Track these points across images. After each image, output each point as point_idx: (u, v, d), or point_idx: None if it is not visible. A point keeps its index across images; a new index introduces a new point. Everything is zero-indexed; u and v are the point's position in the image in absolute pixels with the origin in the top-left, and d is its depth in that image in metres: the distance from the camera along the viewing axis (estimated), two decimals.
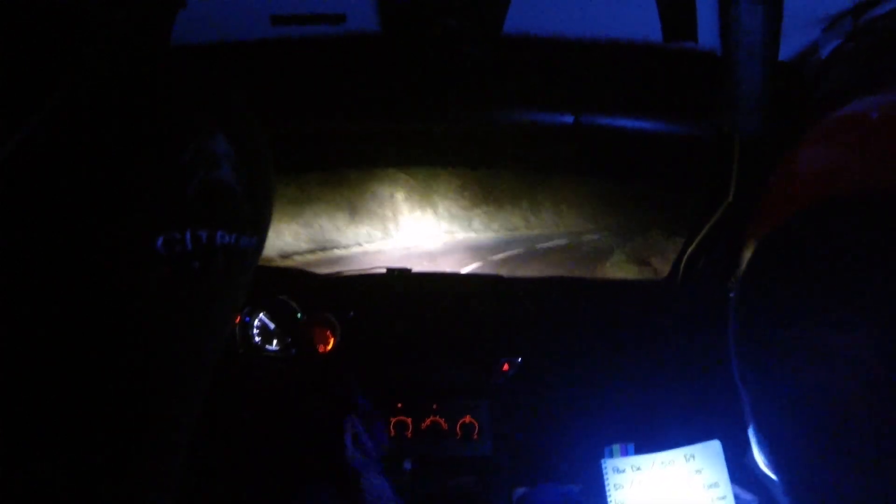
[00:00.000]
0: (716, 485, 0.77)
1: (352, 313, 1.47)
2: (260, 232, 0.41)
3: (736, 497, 0.76)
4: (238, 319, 1.44)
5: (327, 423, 1.15)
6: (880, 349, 0.26)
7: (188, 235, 0.34)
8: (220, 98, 0.39)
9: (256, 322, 1.47)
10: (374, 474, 1.02)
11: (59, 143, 0.31)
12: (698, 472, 0.78)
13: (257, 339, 1.47)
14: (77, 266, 0.31)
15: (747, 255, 0.36)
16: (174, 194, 0.34)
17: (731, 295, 0.37)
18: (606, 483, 0.79)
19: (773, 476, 0.35)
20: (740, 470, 0.78)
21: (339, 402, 1.21)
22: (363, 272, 1.67)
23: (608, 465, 0.80)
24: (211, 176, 0.35)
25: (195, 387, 0.39)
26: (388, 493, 0.99)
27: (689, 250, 1.39)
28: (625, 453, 0.83)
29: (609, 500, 0.79)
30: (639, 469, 0.79)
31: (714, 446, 0.79)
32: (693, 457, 0.79)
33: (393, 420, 1.39)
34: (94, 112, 0.32)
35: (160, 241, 0.33)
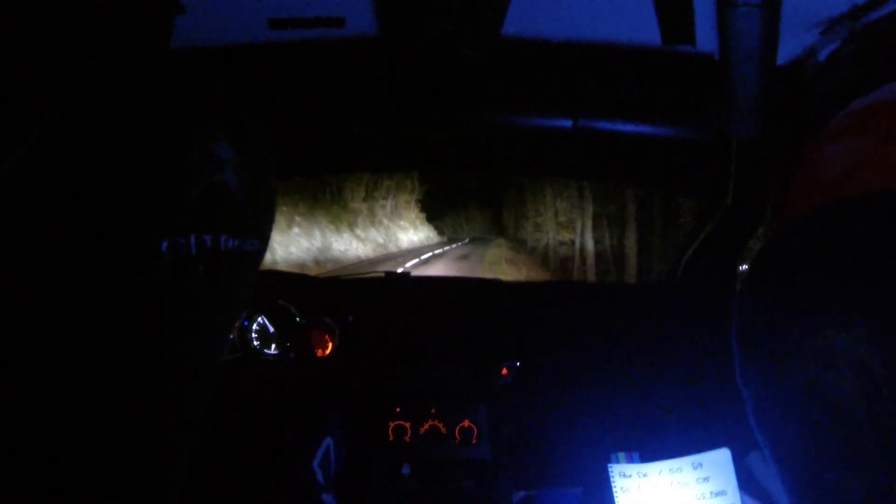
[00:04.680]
0: (723, 493, 0.76)
1: (350, 317, 1.47)
2: (262, 236, 0.41)
3: None
4: (237, 323, 1.44)
5: (304, 436, 1.19)
6: (881, 349, 0.26)
7: (192, 239, 0.34)
8: (223, 102, 0.39)
9: (255, 326, 1.47)
10: (328, 494, 1.10)
11: (64, 148, 0.31)
12: (706, 479, 0.77)
13: (256, 343, 1.46)
14: (82, 269, 0.31)
15: (749, 257, 0.36)
16: (178, 199, 0.34)
17: (734, 296, 0.37)
18: (613, 487, 0.79)
19: (771, 478, 0.35)
20: (751, 478, 0.78)
21: (321, 421, 1.25)
22: (362, 276, 1.67)
23: (615, 469, 0.80)
24: (215, 180, 0.35)
25: (198, 389, 0.39)
26: None
27: (689, 253, 1.39)
28: (630, 461, 0.83)
29: (616, 503, 0.78)
30: (645, 475, 0.79)
31: (723, 454, 0.78)
32: (701, 465, 0.78)
33: (392, 424, 1.39)
34: (97, 118, 0.32)
35: (164, 244, 0.33)
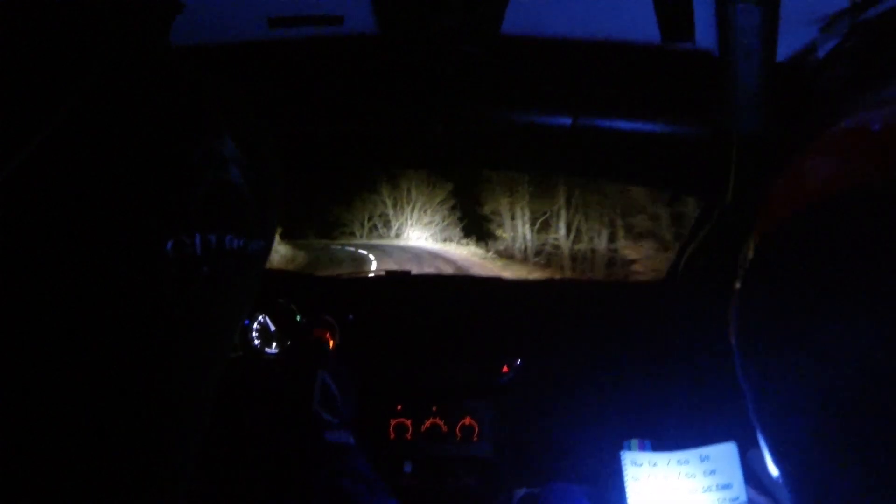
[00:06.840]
0: (729, 486, 0.77)
1: (351, 316, 1.47)
2: (268, 235, 0.41)
3: (751, 501, 0.76)
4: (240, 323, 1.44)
5: (299, 378, 1.12)
6: (883, 344, 0.26)
7: (197, 239, 0.34)
8: (227, 100, 0.39)
9: (256, 325, 1.47)
10: (342, 432, 1.01)
11: (69, 147, 0.31)
12: (712, 472, 0.78)
13: (257, 341, 1.46)
14: (86, 268, 0.31)
15: (750, 252, 0.36)
16: (184, 198, 0.34)
17: (734, 291, 0.37)
18: (625, 474, 0.80)
19: (774, 474, 0.35)
20: (752, 474, 0.78)
21: (313, 359, 1.19)
22: (363, 275, 1.67)
23: (627, 457, 0.81)
24: (219, 179, 0.35)
25: (203, 390, 0.39)
26: (353, 447, 0.96)
27: (689, 250, 1.39)
28: (642, 448, 0.84)
29: (627, 490, 0.79)
30: (655, 465, 0.80)
31: (729, 448, 0.79)
32: (707, 457, 0.79)
33: (393, 422, 1.39)
34: (102, 117, 0.32)
35: (170, 244, 0.33)
